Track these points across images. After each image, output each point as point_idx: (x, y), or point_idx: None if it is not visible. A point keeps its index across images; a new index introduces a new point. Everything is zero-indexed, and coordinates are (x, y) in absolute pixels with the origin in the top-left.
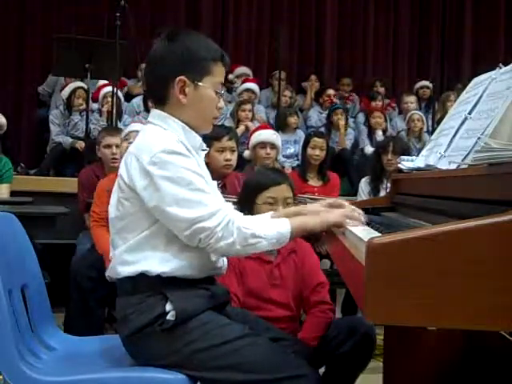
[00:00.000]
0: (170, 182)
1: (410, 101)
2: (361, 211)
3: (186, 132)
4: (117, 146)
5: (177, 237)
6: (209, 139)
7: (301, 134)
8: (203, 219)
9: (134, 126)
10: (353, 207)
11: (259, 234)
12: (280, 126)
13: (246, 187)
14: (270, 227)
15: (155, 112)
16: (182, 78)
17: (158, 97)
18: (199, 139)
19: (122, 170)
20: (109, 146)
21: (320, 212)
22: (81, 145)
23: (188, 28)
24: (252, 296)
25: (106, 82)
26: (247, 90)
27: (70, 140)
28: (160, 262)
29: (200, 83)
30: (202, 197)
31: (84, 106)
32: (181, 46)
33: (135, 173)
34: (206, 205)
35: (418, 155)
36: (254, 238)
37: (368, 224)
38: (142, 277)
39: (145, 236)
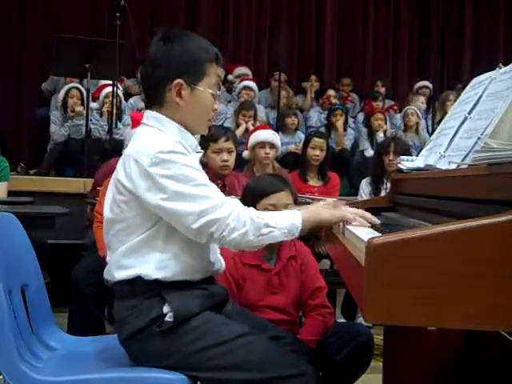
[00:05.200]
0: (173, 181)
1: (420, 101)
2: (370, 215)
3: (182, 133)
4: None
5: (176, 238)
6: (206, 140)
7: (301, 136)
8: (211, 211)
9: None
10: (356, 210)
11: (272, 224)
12: (280, 126)
13: (246, 193)
14: (281, 218)
15: (150, 113)
16: (180, 81)
17: (154, 99)
18: (195, 141)
19: (119, 173)
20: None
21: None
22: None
23: (188, 28)
24: (248, 304)
25: (106, 82)
26: (245, 87)
27: (70, 140)
28: (157, 267)
29: (197, 86)
30: (206, 191)
31: (79, 105)
32: (178, 47)
33: (135, 176)
34: (212, 197)
35: (417, 154)
36: (267, 227)
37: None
38: (139, 280)
39: (143, 238)
